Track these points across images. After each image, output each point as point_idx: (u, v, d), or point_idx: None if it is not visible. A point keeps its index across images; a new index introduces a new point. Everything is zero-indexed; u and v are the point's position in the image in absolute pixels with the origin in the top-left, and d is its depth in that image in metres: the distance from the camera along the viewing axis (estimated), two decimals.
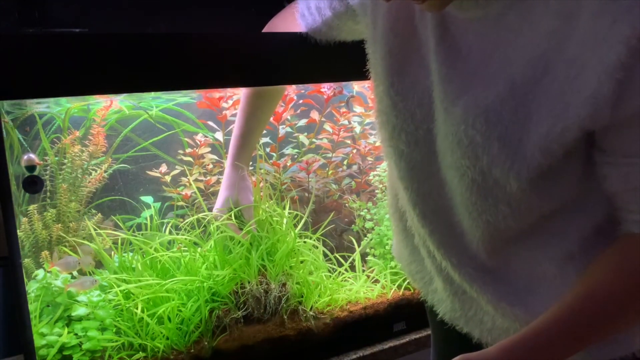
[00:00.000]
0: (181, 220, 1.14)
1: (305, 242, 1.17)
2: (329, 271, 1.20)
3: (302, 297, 1.11)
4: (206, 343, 1.00)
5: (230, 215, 1.08)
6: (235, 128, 1.09)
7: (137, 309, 0.98)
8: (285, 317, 1.08)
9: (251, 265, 1.06)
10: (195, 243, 1.10)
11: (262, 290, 1.05)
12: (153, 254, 1.06)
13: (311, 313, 1.10)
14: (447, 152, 0.67)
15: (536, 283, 0.68)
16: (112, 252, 1.08)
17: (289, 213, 1.16)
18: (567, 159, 0.59)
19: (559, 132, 0.57)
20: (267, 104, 1.10)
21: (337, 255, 1.23)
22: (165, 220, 1.17)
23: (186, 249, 1.09)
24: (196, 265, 1.07)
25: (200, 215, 1.11)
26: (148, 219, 1.14)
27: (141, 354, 0.97)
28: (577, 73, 0.55)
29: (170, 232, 1.14)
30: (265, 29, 1.02)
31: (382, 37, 0.73)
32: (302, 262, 1.13)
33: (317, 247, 1.18)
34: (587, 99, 0.55)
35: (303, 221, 1.17)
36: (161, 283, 1.02)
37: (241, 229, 1.09)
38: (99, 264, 1.08)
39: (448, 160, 0.67)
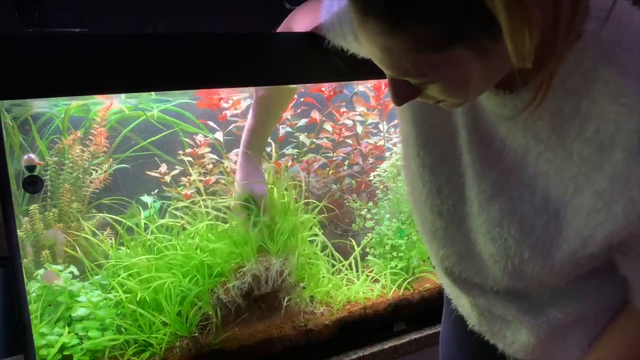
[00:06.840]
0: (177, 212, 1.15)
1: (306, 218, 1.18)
2: (331, 266, 1.21)
3: (304, 282, 1.12)
4: (213, 321, 1.00)
5: (246, 207, 1.10)
6: (249, 120, 1.10)
7: (136, 298, 0.99)
8: (285, 299, 1.08)
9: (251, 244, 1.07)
10: (184, 228, 1.11)
11: (262, 268, 1.06)
12: (143, 237, 1.07)
13: (314, 304, 1.12)
14: (480, 234, 0.69)
15: (557, 296, 0.71)
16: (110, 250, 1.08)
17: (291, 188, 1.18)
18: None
19: (587, 255, 0.60)
20: (282, 96, 1.11)
21: (336, 250, 1.23)
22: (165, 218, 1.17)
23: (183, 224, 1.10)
24: (191, 246, 1.08)
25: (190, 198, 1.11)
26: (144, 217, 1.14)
27: (147, 353, 0.98)
28: (603, 206, 0.57)
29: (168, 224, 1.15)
30: (287, 22, 0.99)
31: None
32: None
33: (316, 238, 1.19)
34: (613, 231, 0.57)
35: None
36: (157, 256, 1.03)
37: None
38: (99, 265, 1.08)
39: (481, 245, 0.70)
